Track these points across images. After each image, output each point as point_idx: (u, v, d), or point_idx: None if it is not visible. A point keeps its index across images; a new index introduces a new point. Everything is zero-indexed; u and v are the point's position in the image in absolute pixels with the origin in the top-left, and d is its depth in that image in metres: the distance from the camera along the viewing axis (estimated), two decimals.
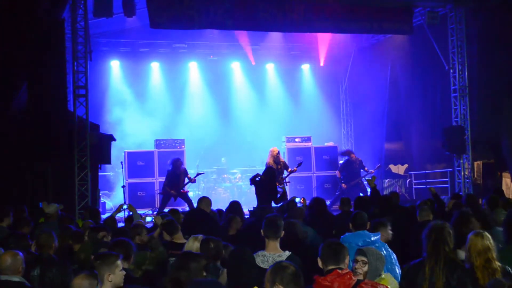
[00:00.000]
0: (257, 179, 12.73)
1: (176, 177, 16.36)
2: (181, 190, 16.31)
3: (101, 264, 4.99)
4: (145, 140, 19.92)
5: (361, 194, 16.32)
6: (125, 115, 20.38)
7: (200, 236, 6.10)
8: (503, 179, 16.47)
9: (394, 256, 6.21)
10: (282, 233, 5.82)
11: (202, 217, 8.92)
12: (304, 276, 4.33)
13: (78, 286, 4.61)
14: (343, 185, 18.06)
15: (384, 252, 6.15)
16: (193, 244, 5.94)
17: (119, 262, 5.04)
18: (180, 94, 22.26)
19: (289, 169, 16.11)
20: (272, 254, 5.55)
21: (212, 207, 9.92)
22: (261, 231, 5.82)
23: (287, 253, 5.61)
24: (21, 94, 13.33)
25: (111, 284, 4.96)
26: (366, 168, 18.30)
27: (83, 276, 4.67)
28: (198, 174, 17.02)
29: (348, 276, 4.49)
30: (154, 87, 21.97)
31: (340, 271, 4.50)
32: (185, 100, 22.33)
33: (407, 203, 14.65)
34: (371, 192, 11.20)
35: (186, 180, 16.38)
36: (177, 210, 9.85)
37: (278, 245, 5.70)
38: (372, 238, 6.21)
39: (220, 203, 17.47)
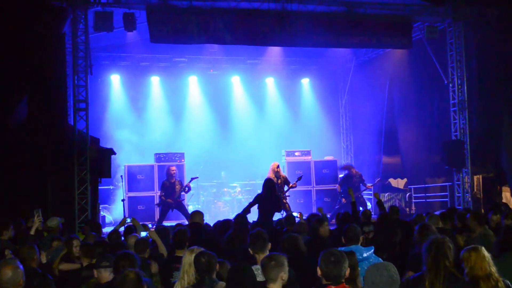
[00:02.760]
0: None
1: (171, 185, 16.49)
2: (178, 199, 16.40)
3: (276, 265, 5.08)
4: (145, 154, 19.92)
5: (361, 208, 16.30)
6: (125, 129, 20.40)
7: (196, 248, 6.13)
8: (503, 193, 16.48)
9: None
10: (269, 245, 5.84)
11: (199, 231, 8.92)
12: None
13: None
14: (343, 199, 18.05)
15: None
16: (190, 257, 5.96)
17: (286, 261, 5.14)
18: (180, 108, 22.28)
19: (290, 184, 16.06)
20: None
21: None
22: (249, 249, 5.84)
23: None
24: (22, 107, 13.37)
25: (282, 282, 5.11)
26: (366, 184, 18.30)
27: None
28: (192, 179, 17.04)
29: None
30: (154, 101, 21.99)
31: (333, 287, 4.41)
32: (185, 114, 22.36)
33: (407, 217, 14.63)
34: (376, 205, 11.03)
35: (183, 188, 16.53)
36: (166, 227, 9.83)
37: None
38: (364, 254, 6.15)
39: (220, 216, 17.45)
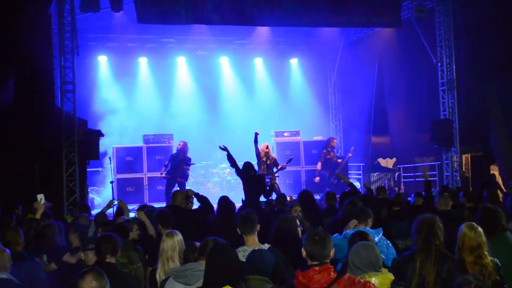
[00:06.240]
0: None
1: (180, 162, 16.49)
2: (178, 179, 16.41)
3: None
4: (133, 136, 19.83)
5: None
6: (113, 110, 20.28)
7: (175, 233, 6.10)
8: (491, 171, 16.55)
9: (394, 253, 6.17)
10: (258, 226, 5.83)
11: (177, 213, 8.77)
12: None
13: None
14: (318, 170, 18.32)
15: (386, 250, 6.11)
16: (171, 241, 5.94)
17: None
18: (168, 89, 22.20)
19: (279, 166, 15.98)
20: (252, 248, 5.59)
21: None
22: (237, 229, 5.84)
23: (266, 245, 5.68)
24: (8, 90, 13.23)
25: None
26: (337, 159, 18.60)
27: (91, 277, 4.37)
28: (189, 165, 17.10)
29: (327, 272, 4.33)
30: (142, 82, 21.89)
31: (317, 268, 4.33)
32: (173, 95, 22.28)
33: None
34: (349, 189, 10.96)
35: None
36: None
37: (256, 239, 5.77)
38: (376, 239, 6.10)
39: (209, 197, 17.46)
